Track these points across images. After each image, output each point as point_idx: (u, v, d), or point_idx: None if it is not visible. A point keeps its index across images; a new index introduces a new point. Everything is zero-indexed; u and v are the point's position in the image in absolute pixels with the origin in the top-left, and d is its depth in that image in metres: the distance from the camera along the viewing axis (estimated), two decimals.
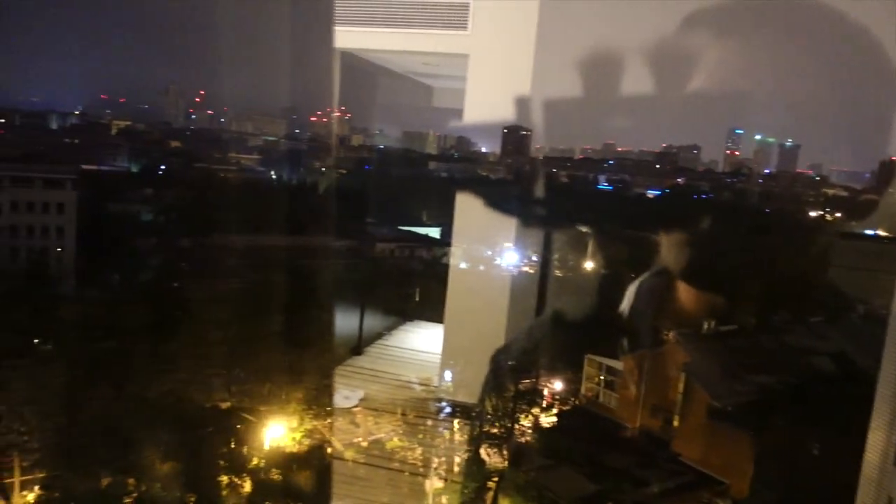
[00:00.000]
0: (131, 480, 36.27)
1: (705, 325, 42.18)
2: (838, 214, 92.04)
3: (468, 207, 56.59)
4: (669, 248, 45.76)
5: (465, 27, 51.46)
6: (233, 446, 40.01)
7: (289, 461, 41.02)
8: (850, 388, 36.41)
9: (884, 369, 27.97)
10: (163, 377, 41.66)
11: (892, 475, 26.79)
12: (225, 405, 44.38)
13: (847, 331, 45.39)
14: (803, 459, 37.39)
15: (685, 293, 43.97)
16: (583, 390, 46.08)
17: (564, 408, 47.08)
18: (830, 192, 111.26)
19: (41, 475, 39.25)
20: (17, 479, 42.03)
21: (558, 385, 48.37)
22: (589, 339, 47.00)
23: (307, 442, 44.21)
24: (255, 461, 40.13)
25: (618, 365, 43.61)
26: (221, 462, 38.48)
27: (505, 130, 72.02)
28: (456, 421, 51.94)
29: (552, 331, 48.47)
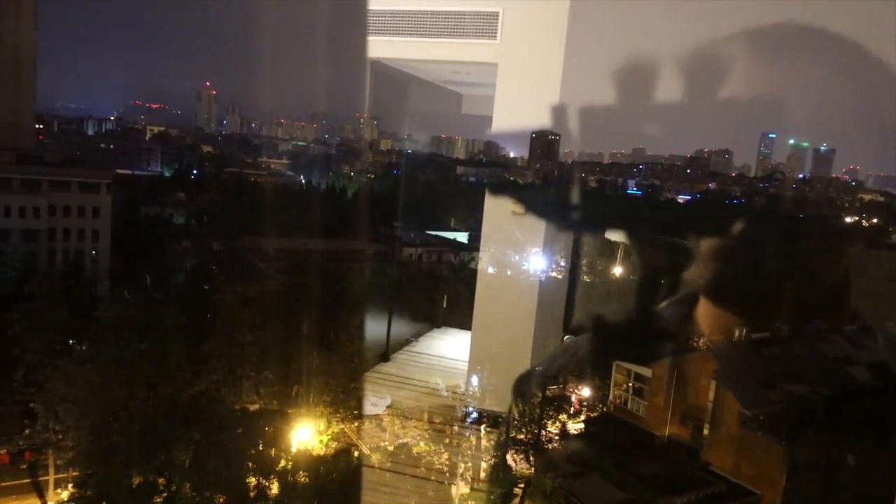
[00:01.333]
0: (162, 480, 36.83)
1: (736, 333, 41.55)
2: (875, 220, 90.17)
3: (496, 212, 56.47)
4: (701, 257, 45.24)
5: (495, 36, 51.42)
6: (261, 448, 40.38)
7: (317, 464, 41.26)
8: (887, 398, 35.63)
9: None
10: (195, 379, 42.26)
11: None
12: (254, 407, 44.86)
13: (884, 340, 44.42)
14: (838, 470, 36.62)
15: (718, 305, 43.46)
16: (611, 397, 45.67)
17: (592, 414, 46.71)
18: (867, 197, 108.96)
19: (75, 473, 40.14)
20: (51, 477, 43.09)
21: (586, 391, 48.02)
22: (618, 345, 46.57)
23: (335, 446, 44.47)
24: (283, 463, 40.46)
25: (646, 372, 43.14)
26: (250, 464, 38.86)
27: (533, 135, 71.85)
28: (483, 427, 51.82)
29: (583, 339, 48.05)
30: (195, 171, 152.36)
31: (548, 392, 46.40)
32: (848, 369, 41.43)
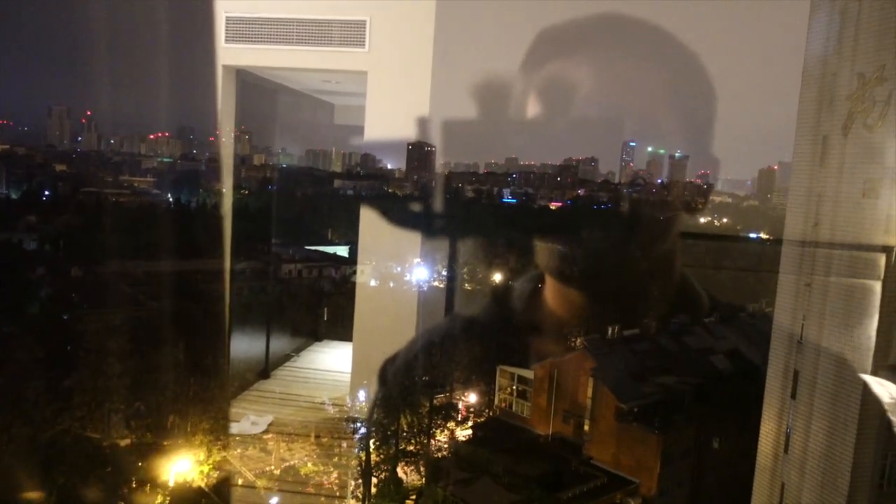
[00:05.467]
0: None
1: (609, 331, 43.60)
2: (725, 220, 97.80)
3: (374, 224, 56.23)
4: (557, 256, 47.32)
5: (363, 45, 51.29)
6: (134, 485, 37.88)
7: (197, 497, 39.25)
8: (745, 383, 38.62)
9: (771, 363, 29.74)
10: (57, 417, 39.04)
11: (784, 462, 28.43)
12: (125, 442, 41.96)
13: (739, 329, 48.17)
14: (706, 453, 39.25)
15: (582, 300, 45.60)
16: (496, 401, 46.50)
17: (480, 420, 47.29)
18: (717, 199, 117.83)
19: None
20: None
21: (473, 397, 48.59)
22: (498, 349, 47.61)
23: (217, 475, 42.47)
24: (159, 500, 38.12)
25: (529, 374, 44.30)
26: None
27: (409, 147, 72.25)
28: (371, 441, 51.19)
29: (457, 342, 48.58)
30: (47, 192, 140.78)
31: (435, 401, 46.58)
32: (710, 359, 44.65)
